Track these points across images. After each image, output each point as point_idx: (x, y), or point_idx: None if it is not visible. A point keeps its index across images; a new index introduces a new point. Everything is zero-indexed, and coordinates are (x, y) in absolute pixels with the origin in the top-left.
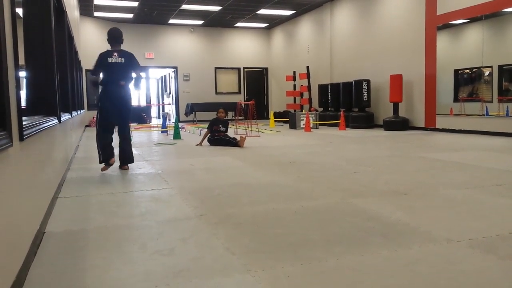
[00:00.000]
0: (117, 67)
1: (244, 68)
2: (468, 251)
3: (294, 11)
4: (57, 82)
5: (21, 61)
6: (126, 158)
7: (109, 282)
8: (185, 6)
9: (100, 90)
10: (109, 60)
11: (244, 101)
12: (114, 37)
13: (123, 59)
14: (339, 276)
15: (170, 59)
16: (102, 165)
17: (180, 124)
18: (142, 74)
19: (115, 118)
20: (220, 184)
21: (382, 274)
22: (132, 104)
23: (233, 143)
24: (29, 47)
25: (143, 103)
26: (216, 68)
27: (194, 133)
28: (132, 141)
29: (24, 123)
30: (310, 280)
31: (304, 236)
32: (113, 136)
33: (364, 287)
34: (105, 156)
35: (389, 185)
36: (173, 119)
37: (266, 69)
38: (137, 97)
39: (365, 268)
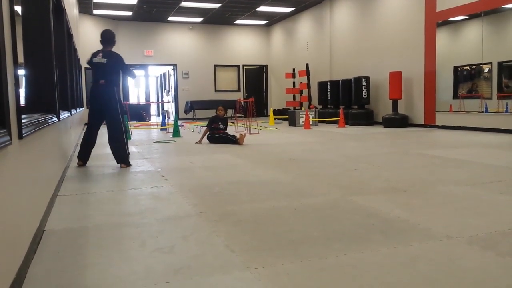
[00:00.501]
0: (98, 67)
1: (243, 65)
2: (467, 248)
3: (294, 8)
4: (56, 80)
5: (20, 59)
6: (118, 157)
7: (109, 279)
8: (184, 4)
9: None
10: (94, 60)
11: (244, 98)
12: (105, 38)
13: (105, 59)
14: (339, 273)
15: (170, 57)
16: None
17: (179, 122)
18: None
19: (97, 117)
20: (220, 182)
21: (381, 271)
22: (116, 103)
23: (233, 140)
24: (28, 45)
25: (142, 101)
26: (215, 66)
27: (193, 131)
28: (131, 139)
29: (23, 121)
30: (310, 277)
31: (304, 233)
32: (94, 135)
33: (364, 284)
34: (80, 155)
35: (388, 182)
36: (172, 117)
37: (266, 66)
38: (136, 95)
39: (364, 265)
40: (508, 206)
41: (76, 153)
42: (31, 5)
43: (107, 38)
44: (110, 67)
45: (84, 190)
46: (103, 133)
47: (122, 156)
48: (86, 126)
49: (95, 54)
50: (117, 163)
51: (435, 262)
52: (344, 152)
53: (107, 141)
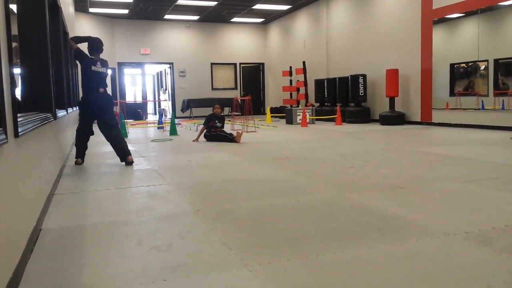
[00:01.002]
0: (99, 76)
1: (240, 63)
2: (464, 244)
3: (290, 6)
4: (52, 78)
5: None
6: (123, 153)
7: (106, 278)
8: (180, 1)
9: (81, 96)
10: (93, 68)
11: (241, 96)
12: (96, 47)
13: (104, 69)
14: (336, 270)
15: (166, 55)
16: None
17: (176, 120)
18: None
19: (92, 119)
20: (217, 180)
21: (379, 268)
22: (113, 106)
23: (230, 138)
24: (24, 43)
25: (139, 99)
26: (212, 64)
27: (190, 129)
28: (128, 138)
29: (19, 119)
30: (307, 274)
31: (301, 231)
32: (90, 135)
33: (361, 280)
34: (79, 155)
35: (385, 179)
36: (169, 115)
37: (262, 64)
38: (133, 93)
39: (361, 262)
40: (505, 203)
41: (73, 151)
42: (26, 3)
43: (98, 46)
44: (106, 75)
45: (81, 188)
46: (98, 133)
47: (126, 150)
48: (79, 128)
49: (93, 62)
50: (122, 160)
51: (432, 258)
52: (341, 150)
53: (104, 140)
